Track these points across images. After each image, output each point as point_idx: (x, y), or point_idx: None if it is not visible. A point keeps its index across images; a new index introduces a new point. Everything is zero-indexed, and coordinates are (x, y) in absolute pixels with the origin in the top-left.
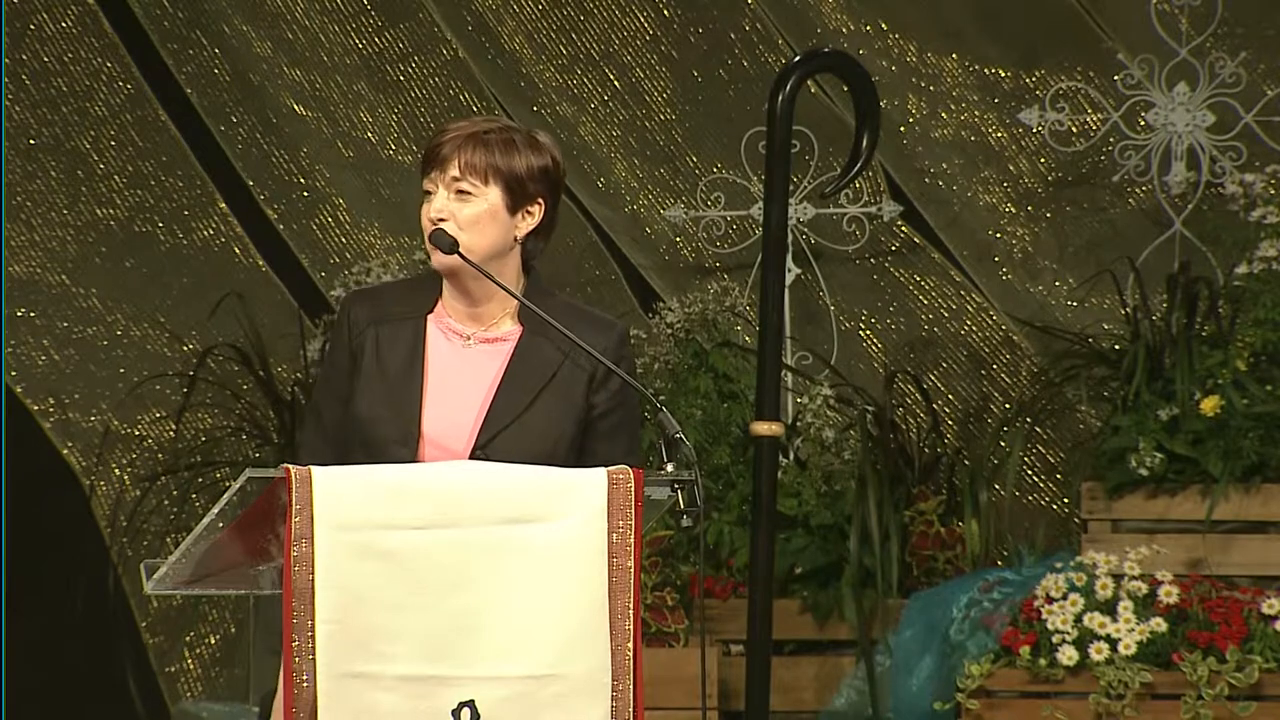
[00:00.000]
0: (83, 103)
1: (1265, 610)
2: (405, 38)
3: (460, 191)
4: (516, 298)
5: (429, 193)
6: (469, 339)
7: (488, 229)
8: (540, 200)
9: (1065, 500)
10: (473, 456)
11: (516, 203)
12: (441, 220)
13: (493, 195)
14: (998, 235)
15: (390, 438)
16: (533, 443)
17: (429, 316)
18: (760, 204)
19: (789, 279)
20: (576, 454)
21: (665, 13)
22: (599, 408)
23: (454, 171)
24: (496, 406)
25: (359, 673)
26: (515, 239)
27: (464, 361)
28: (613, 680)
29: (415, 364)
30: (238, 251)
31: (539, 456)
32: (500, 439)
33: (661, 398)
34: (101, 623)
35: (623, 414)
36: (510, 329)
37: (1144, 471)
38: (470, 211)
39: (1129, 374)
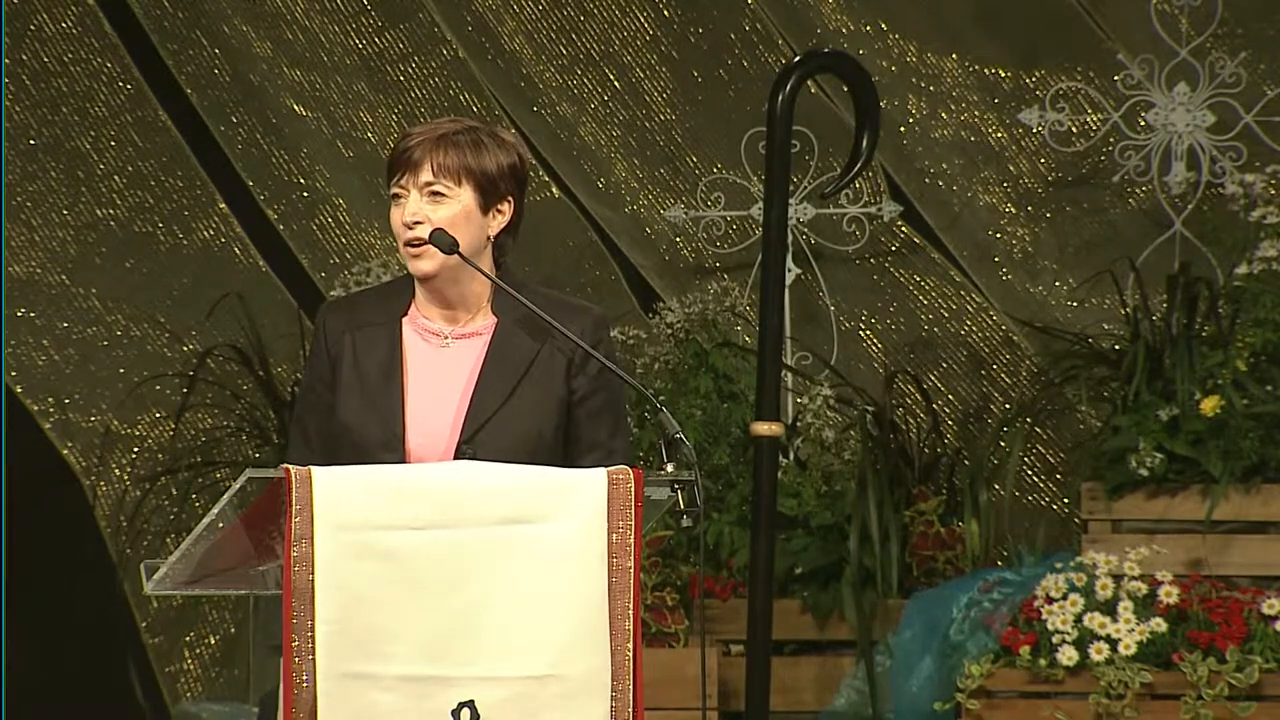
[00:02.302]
0: (83, 103)
1: (1265, 610)
2: (405, 38)
3: (434, 194)
4: (513, 294)
5: (398, 197)
6: (445, 337)
7: (463, 230)
8: (510, 198)
9: (1065, 500)
10: (458, 451)
11: (488, 202)
12: (417, 223)
13: (465, 196)
14: (998, 235)
15: (375, 442)
16: (518, 432)
17: (403, 320)
18: (760, 204)
19: (789, 279)
20: (563, 441)
21: (665, 13)
22: (579, 392)
23: (427, 175)
24: (478, 400)
25: (359, 673)
26: (488, 238)
27: (442, 360)
28: (612, 680)
29: (394, 367)
30: (238, 251)
31: (525, 445)
32: (484, 432)
33: (661, 398)
34: (101, 623)
35: (605, 396)
36: (485, 323)
37: (1144, 472)
38: (445, 213)
39: (1129, 374)
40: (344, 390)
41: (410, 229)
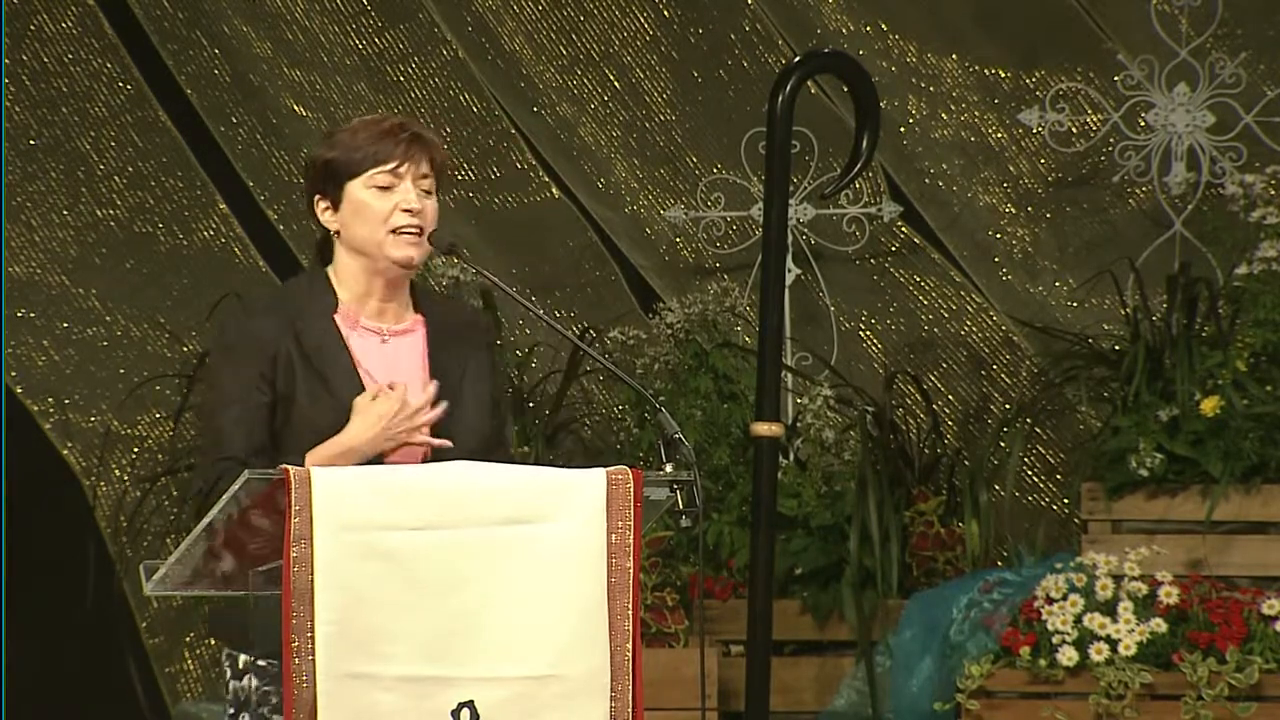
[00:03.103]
0: (83, 103)
1: (1265, 611)
2: (405, 38)
3: (426, 187)
4: (509, 292)
5: (387, 185)
6: (383, 334)
7: (437, 223)
8: None
9: (1065, 501)
10: (435, 436)
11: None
12: (419, 212)
13: (436, 190)
14: (998, 235)
15: None
16: (472, 427)
17: (335, 316)
18: (760, 204)
19: (789, 279)
20: None
21: (665, 13)
22: (495, 388)
23: (425, 167)
24: (441, 389)
25: (359, 673)
26: None
27: (387, 355)
28: (612, 681)
29: (352, 362)
30: (238, 252)
31: (480, 441)
32: (453, 420)
33: (661, 398)
34: (101, 623)
35: (505, 396)
36: (413, 320)
37: (1144, 472)
38: (433, 206)
39: (1129, 374)
40: (304, 386)
41: (414, 215)
